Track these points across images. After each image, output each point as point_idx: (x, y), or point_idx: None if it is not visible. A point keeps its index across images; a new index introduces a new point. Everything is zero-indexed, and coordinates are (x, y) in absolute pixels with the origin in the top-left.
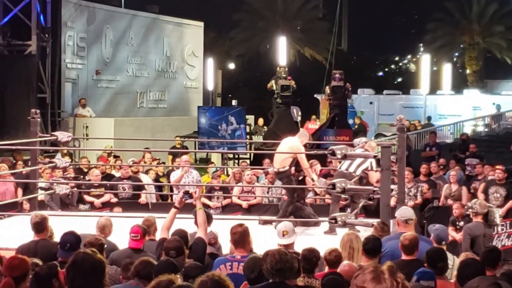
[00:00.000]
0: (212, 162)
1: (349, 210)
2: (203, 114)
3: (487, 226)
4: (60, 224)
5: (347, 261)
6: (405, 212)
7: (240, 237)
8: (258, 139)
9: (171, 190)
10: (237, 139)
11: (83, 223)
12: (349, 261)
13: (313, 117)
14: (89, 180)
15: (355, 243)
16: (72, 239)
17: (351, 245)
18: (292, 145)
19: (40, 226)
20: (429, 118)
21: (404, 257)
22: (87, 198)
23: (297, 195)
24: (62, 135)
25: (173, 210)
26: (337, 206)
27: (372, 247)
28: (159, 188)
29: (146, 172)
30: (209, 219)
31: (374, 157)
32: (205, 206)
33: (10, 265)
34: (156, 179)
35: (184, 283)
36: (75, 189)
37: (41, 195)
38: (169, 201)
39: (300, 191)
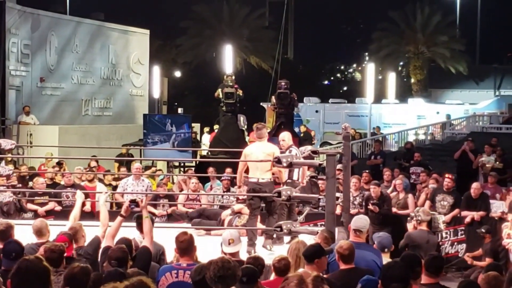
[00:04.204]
0: (160, 170)
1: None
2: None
3: (431, 233)
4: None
5: (302, 269)
6: (357, 221)
7: (187, 245)
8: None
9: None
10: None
11: (26, 232)
12: (295, 268)
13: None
14: (31, 188)
15: (301, 252)
16: (17, 248)
17: (298, 254)
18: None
19: (3, 234)
20: (378, 128)
21: (342, 266)
22: (31, 206)
23: None
24: (5, 143)
25: (119, 218)
26: (283, 215)
27: (308, 254)
28: None
29: (91, 181)
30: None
31: (320, 165)
32: (151, 214)
33: None
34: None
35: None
36: (18, 196)
37: None
38: (114, 209)
39: None
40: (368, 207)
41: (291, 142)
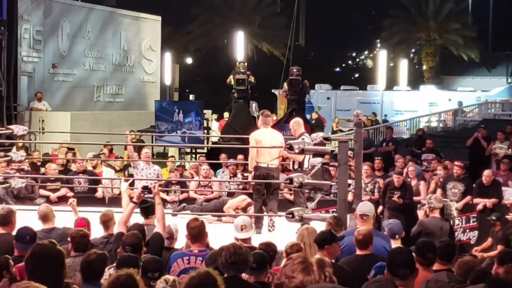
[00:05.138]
0: (173, 156)
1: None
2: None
3: (444, 220)
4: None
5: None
6: (362, 207)
7: (198, 231)
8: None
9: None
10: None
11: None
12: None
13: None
14: (43, 174)
15: (306, 238)
16: (30, 232)
17: (303, 239)
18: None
19: (4, 219)
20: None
21: (358, 252)
22: (43, 192)
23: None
24: (18, 129)
25: (131, 204)
26: (302, 203)
27: (318, 240)
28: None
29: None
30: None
31: (332, 152)
32: (162, 200)
33: None
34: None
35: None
36: (29, 182)
37: None
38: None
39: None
40: (393, 198)
41: (303, 129)
